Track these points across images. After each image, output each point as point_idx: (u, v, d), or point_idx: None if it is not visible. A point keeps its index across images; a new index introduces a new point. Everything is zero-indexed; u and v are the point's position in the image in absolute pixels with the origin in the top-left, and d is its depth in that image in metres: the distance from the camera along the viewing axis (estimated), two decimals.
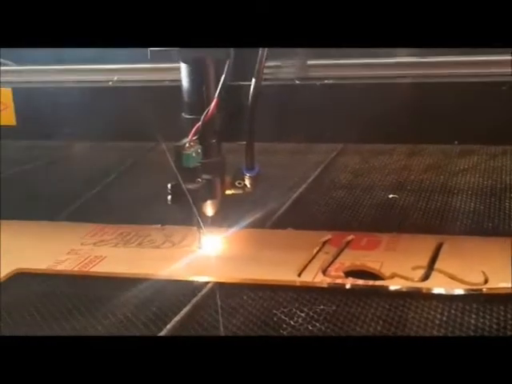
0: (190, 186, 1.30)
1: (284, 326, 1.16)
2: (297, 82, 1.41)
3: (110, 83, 1.59)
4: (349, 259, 1.36)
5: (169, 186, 1.31)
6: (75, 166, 2.22)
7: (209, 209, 1.38)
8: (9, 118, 1.65)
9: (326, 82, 1.39)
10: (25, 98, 1.64)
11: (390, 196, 1.74)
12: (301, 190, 1.81)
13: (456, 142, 1.41)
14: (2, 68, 1.75)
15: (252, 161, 1.35)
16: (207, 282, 1.31)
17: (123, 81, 1.58)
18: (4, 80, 1.66)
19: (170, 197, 1.31)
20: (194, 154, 1.29)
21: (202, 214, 1.36)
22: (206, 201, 1.36)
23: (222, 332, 1.15)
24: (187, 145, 1.29)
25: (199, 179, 1.32)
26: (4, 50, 1.72)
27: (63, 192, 1.92)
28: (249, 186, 1.37)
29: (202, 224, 1.36)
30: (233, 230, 1.47)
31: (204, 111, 1.31)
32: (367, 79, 1.39)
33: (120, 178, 2.03)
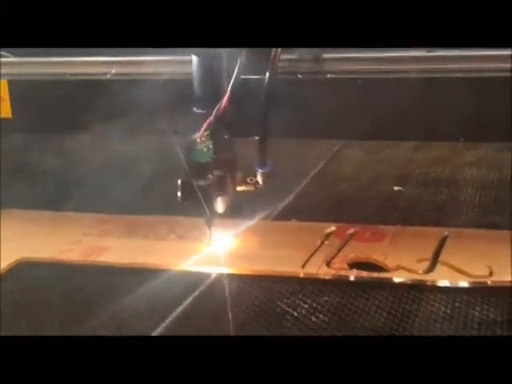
0: (201, 182, 1.29)
1: (287, 317, 1.16)
2: (299, 76, 1.40)
3: (108, 76, 1.57)
4: (353, 251, 1.36)
5: (179, 182, 1.29)
6: (77, 157, 2.21)
7: (219, 205, 1.36)
8: (5, 111, 1.65)
9: (328, 76, 1.38)
10: (21, 90, 1.63)
11: (395, 188, 1.74)
12: (305, 182, 1.80)
13: (462, 139, 1.40)
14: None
15: (264, 157, 1.33)
16: (210, 274, 1.31)
17: (123, 74, 1.57)
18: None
19: (179, 193, 1.29)
20: (205, 149, 1.28)
21: (212, 211, 1.34)
22: (216, 197, 1.34)
23: (228, 322, 1.15)
24: (198, 140, 1.28)
25: (210, 175, 1.30)
26: None
27: (66, 183, 1.92)
28: (261, 182, 1.35)
29: (212, 221, 1.34)
30: (237, 223, 1.46)
31: (216, 106, 1.29)
32: (374, 73, 1.37)
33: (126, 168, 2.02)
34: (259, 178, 1.34)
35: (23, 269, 1.38)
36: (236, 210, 1.47)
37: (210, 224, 1.36)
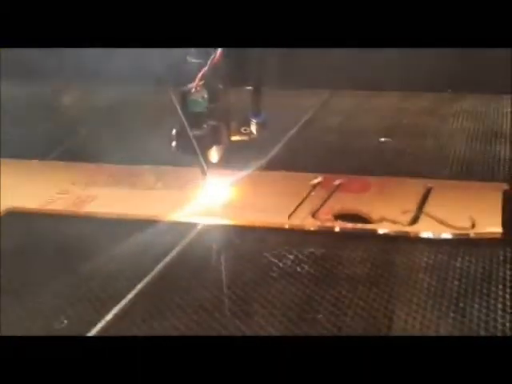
0: (196, 132, 1.29)
1: (273, 268, 1.18)
2: None
3: None
4: (339, 202, 1.37)
5: (173, 131, 1.29)
6: (62, 107, 2.20)
7: (214, 155, 1.36)
8: None
9: None
10: None
11: (382, 139, 1.74)
12: (292, 132, 1.80)
13: (449, 90, 1.40)
14: None
15: (258, 107, 1.33)
16: (197, 224, 1.32)
17: None
18: None
19: (174, 142, 1.29)
20: (200, 99, 1.27)
21: (206, 160, 1.35)
22: (211, 146, 1.34)
23: (215, 271, 1.16)
24: (193, 90, 1.27)
25: (205, 125, 1.30)
26: None
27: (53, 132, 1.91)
28: (255, 132, 1.35)
29: (205, 170, 1.35)
30: (227, 173, 1.46)
31: (211, 55, 1.28)
32: None
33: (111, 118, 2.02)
34: (253, 128, 1.35)
35: (11, 218, 1.39)
36: (226, 160, 1.48)
37: (203, 173, 1.36)
